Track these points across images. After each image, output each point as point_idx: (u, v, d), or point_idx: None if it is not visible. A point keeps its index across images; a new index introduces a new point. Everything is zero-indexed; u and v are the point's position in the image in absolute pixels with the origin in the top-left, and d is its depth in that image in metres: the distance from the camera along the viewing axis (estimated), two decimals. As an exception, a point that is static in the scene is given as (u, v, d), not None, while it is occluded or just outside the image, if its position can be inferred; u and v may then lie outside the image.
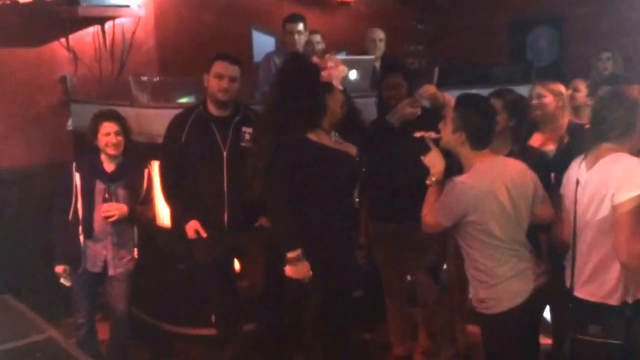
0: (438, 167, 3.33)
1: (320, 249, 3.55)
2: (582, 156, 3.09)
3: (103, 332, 4.49)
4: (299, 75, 3.68)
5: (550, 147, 4.11)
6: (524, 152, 3.73)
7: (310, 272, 3.50)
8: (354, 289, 4.15)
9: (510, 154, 3.58)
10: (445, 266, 4.85)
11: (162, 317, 4.87)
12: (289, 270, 3.52)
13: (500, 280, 3.18)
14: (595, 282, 2.95)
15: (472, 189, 3.14)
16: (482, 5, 7.65)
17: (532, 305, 3.22)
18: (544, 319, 4.60)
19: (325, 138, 3.63)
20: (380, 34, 5.99)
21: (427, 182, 3.35)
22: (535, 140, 4.21)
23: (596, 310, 2.94)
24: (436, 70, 5.62)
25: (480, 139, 3.22)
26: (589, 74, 5.73)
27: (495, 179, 3.16)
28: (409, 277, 4.62)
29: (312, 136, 3.58)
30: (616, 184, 2.83)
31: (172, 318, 4.82)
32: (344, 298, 3.74)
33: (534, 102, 4.20)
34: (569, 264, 3.12)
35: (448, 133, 3.25)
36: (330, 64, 3.63)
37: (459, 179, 3.20)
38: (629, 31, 6.42)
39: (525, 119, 3.89)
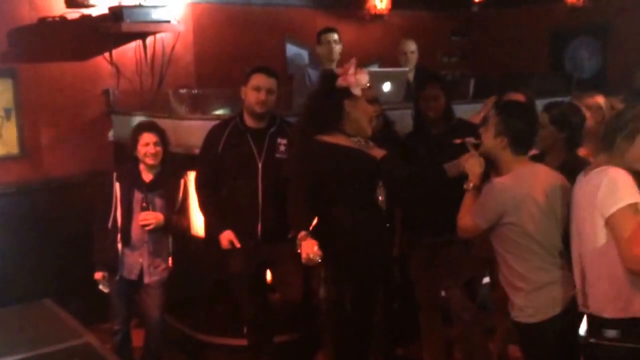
0: (477, 172, 3.34)
1: (343, 254, 3.52)
2: None
3: (138, 339, 4.51)
4: (320, 85, 3.76)
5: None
6: (573, 161, 3.59)
7: (319, 252, 3.43)
8: (388, 301, 4.11)
9: (563, 164, 3.49)
10: (487, 279, 4.74)
11: (195, 326, 4.85)
12: (301, 251, 3.47)
13: (538, 286, 3.12)
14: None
15: (510, 189, 3.12)
16: (520, 15, 7.56)
17: (572, 313, 3.09)
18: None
19: (343, 140, 3.58)
20: (411, 46, 5.92)
21: (465, 186, 3.36)
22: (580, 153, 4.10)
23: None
24: (472, 81, 5.57)
25: (522, 144, 3.23)
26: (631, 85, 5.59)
27: (534, 182, 3.14)
28: (443, 293, 4.52)
29: (326, 138, 3.56)
30: (601, 198, 2.76)
31: (205, 327, 4.79)
32: (372, 307, 3.70)
33: None
34: None
35: (490, 137, 3.25)
36: (350, 70, 3.56)
37: (498, 179, 3.20)
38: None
39: (577, 128, 3.70)
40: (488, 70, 7.15)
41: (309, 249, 3.44)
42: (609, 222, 2.74)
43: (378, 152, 3.60)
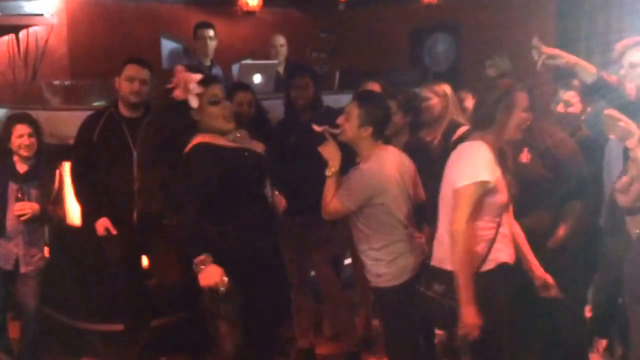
0: (336, 159, 3.40)
1: (238, 257, 3.28)
2: None
3: (13, 331, 4.41)
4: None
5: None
6: (416, 142, 3.91)
7: (225, 279, 3.10)
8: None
9: (406, 145, 3.74)
10: (349, 260, 4.91)
11: (72, 314, 4.74)
12: (200, 278, 3.09)
13: (396, 256, 3.36)
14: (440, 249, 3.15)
15: (378, 174, 3.31)
16: (383, 14, 7.80)
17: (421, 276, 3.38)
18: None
19: (222, 140, 3.30)
20: (281, 40, 6.07)
21: (327, 172, 3.40)
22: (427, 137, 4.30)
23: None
24: (337, 74, 5.75)
25: (382, 131, 3.44)
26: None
27: (393, 165, 3.38)
28: (312, 273, 4.63)
29: (206, 138, 3.26)
30: (457, 170, 3.01)
31: (82, 315, 4.69)
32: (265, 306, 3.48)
33: (422, 105, 4.20)
34: None
35: (353, 128, 3.36)
36: (180, 81, 3.22)
37: (365, 165, 3.36)
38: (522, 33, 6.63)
39: (419, 112, 4.04)
40: (354, 65, 7.36)
41: (216, 276, 3.08)
42: (456, 193, 2.97)
43: (258, 146, 3.45)
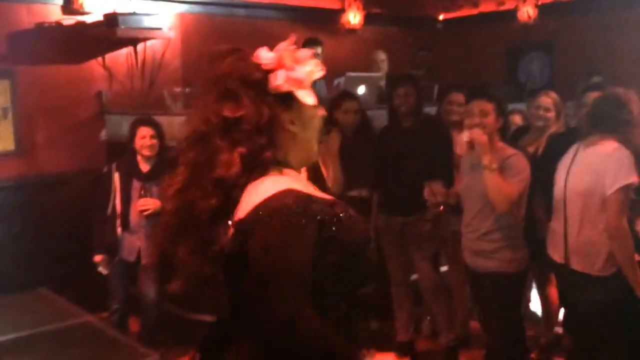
0: (490, 153, 3.49)
1: None
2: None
3: (133, 325, 4.75)
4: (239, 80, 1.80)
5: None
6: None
7: None
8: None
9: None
10: (445, 268, 5.05)
11: (187, 306, 4.95)
12: None
13: (522, 243, 3.64)
14: None
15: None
16: (479, 32, 7.97)
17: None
18: (534, 312, 4.82)
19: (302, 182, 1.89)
20: (382, 55, 6.35)
21: (493, 166, 3.45)
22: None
23: None
24: (436, 87, 5.95)
25: None
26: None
27: None
28: (414, 276, 4.78)
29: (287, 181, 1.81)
30: (611, 173, 3.23)
31: (196, 307, 4.87)
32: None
33: (541, 113, 4.42)
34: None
35: (493, 120, 3.57)
36: (286, 61, 1.83)
37: (513, 152, 3.59)
38: (618, 56, 6.71)
39: (508, 119, 4.22)
40: (451, 81, 7.50)
41: None
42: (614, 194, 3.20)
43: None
